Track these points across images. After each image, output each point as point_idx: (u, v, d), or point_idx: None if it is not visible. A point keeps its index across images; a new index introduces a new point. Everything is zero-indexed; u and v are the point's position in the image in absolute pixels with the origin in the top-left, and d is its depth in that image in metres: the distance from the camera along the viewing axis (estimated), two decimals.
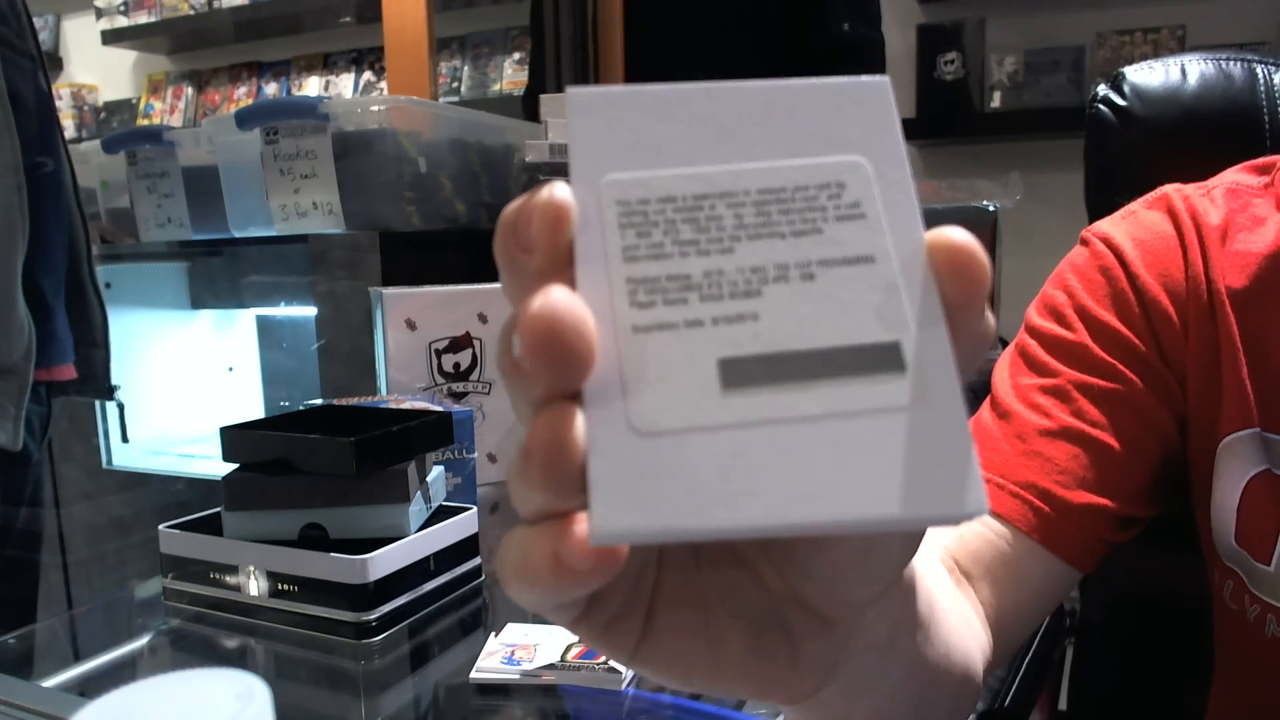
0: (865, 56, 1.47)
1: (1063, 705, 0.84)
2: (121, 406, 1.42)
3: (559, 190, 0.22)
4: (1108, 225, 0.57)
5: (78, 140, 3.09)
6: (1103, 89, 0.69)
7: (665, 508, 0.20)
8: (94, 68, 3.37)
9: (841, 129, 0.24)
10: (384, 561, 0.64)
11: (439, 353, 0.99)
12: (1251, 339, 0.51)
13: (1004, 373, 0.56)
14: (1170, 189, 0.57)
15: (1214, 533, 0.53)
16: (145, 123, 3.16)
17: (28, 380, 1.01)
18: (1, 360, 0.98)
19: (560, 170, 1.08)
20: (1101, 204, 0.69)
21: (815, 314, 0.22)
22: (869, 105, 0.24)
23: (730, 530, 0.20)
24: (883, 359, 0.22)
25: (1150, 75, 0.68)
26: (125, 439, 1.44)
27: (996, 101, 2.19)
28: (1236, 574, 0.53)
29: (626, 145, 0.24)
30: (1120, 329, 0.53)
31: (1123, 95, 0.68)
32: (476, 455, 0.91)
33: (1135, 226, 0.56)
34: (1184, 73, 0.67)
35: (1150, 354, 0.53)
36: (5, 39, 1.02)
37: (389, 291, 0.97)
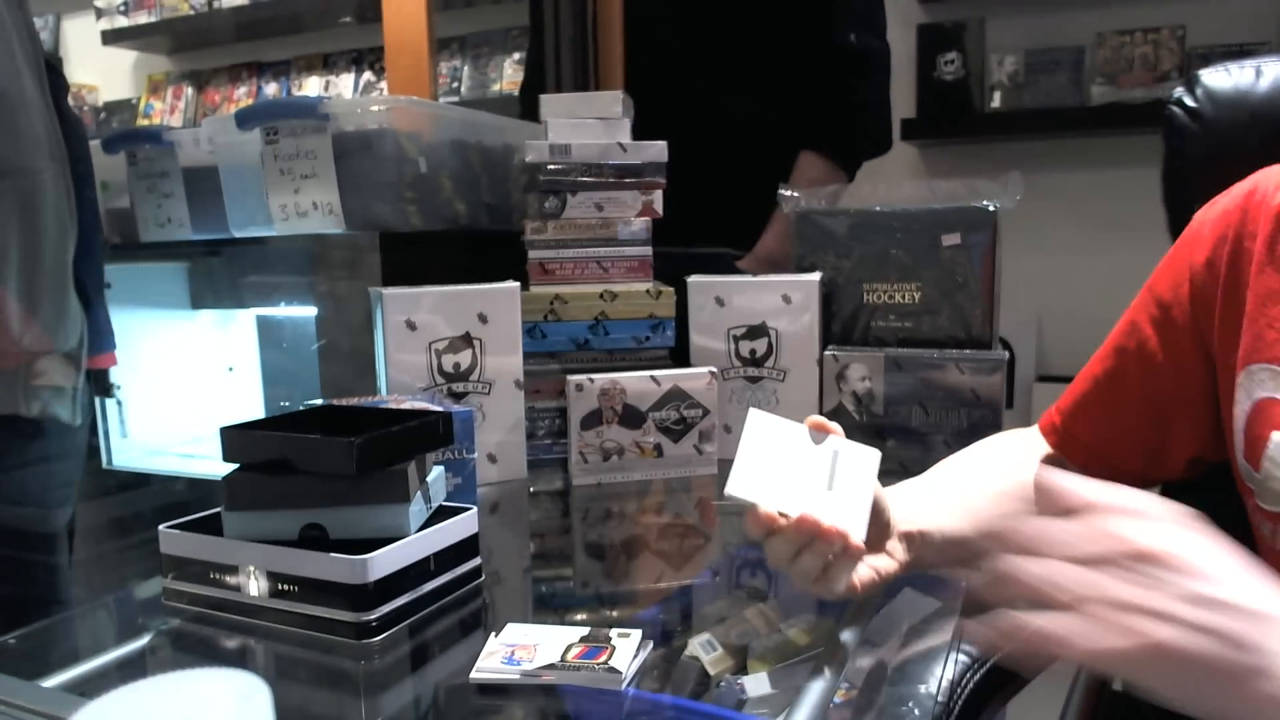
0: (871, 65, 1.46)
1: (1117, 685, 0.85)
2: (120, 404, 1.43)
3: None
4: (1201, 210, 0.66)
5: None
6: (1178, 91, 0.70)
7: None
8: (94, 68, 3.37)
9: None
10: (384, 562, 0.64)
11: (439, 353, 0.99)
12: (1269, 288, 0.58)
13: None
14: (1265, 171, 0.63)
15: (1235, 460, 0.60)
16: (145, 123, 3.17)
17: (81, 364, 1.06)
18: (60, 346, 1.02)
19: (557, 172, 1.08)
20: (1179, 205, 0.70)
21: None
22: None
23: None
24: None
25: (1224, 78, 0.69)
26: (124, 434, 1.45)
27: (996, 101, 2.19)
28: (1251, 493, 0.58)
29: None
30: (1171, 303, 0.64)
31: (1195, 98, 0.69)
32: (476, 455, 0.91)
33: (1210, 208, 0.64)
34: (1258, 74, 0.68)
35: (1186, 321, 0.63)
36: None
37: (389, 292, 0.97)
